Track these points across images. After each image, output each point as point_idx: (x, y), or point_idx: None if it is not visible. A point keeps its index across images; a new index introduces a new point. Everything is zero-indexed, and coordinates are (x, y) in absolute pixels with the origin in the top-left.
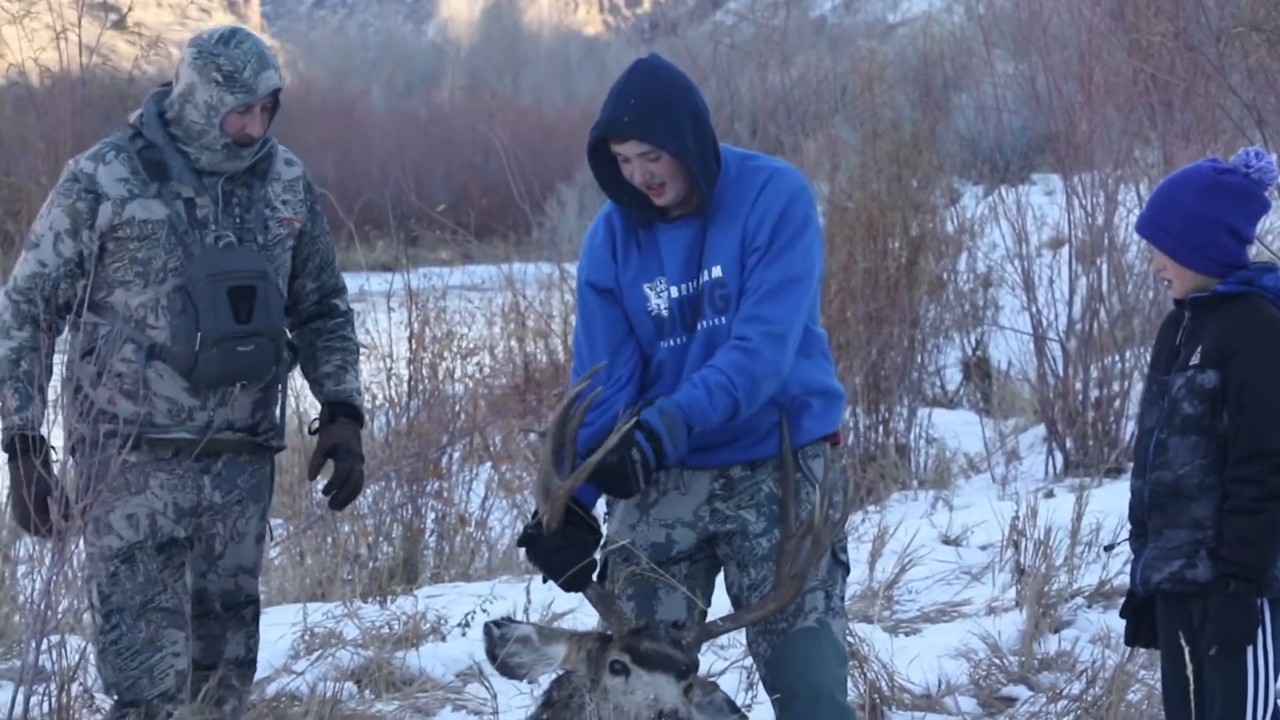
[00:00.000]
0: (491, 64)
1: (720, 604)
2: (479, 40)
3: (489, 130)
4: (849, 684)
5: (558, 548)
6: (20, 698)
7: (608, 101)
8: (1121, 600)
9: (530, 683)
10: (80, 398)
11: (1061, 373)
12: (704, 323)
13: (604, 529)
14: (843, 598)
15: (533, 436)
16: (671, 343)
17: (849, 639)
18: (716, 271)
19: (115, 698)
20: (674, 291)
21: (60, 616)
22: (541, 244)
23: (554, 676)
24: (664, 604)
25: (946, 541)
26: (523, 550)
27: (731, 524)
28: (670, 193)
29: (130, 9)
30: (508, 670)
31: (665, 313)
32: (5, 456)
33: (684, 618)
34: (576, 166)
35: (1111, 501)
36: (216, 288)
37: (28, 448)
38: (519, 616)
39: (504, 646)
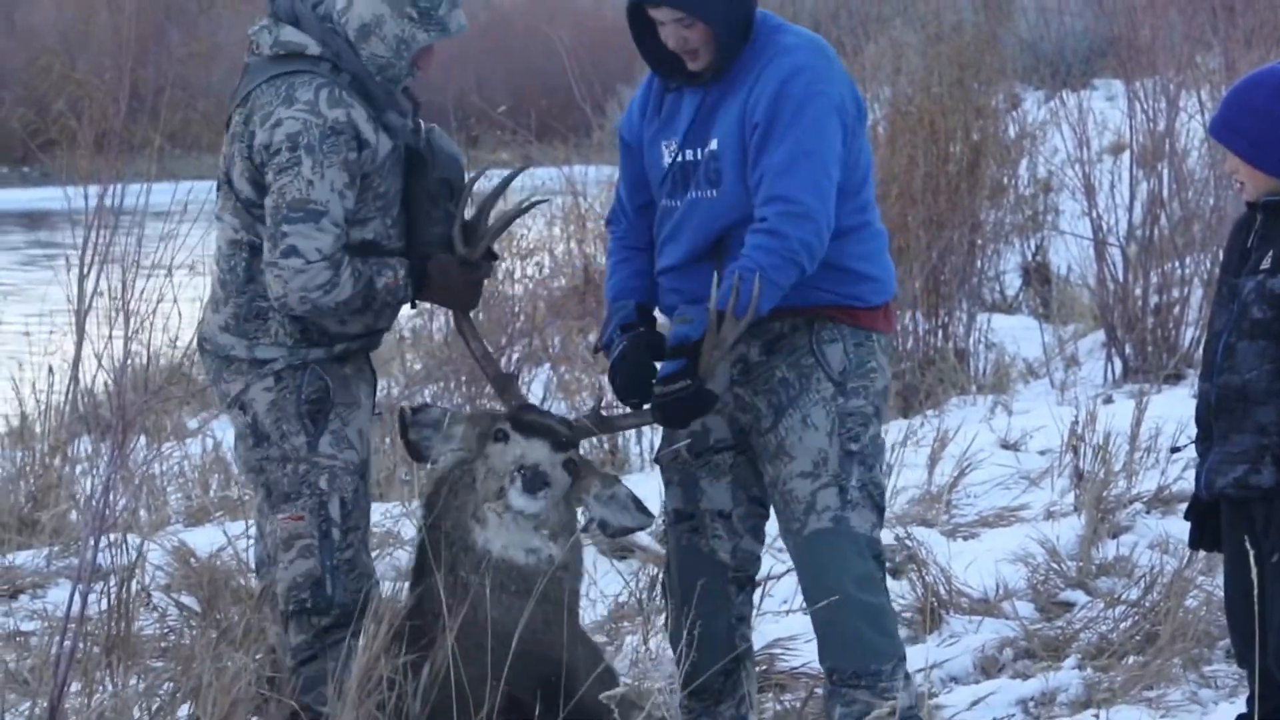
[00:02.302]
0: None
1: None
2: None
3: (549, 31)
4: (899, 586)
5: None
6: (78, 595)
7: None
8: (1181, 506)
9: (434, 464)
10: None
11: (1121, 278)
12: (694, 192)
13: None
14: (867, 487)
15: (591, 337)
16: (668, 203)
17: (906, 543)
18: (714, 144)
19: (333, 614)
20: (681, 155)
21: (118, 515)
22: (602, 146)
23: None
24: (707, 493)
25: (1005, 446)
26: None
27: (750, 413)
28: (704, 58)
29: None
30: (416, 452)
31: (670, 172)
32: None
33: (729, 507)
34: (637, 68)
35: (1170, 408)
36: (435, 193)
37: (426, 271)
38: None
39: (417, 431)
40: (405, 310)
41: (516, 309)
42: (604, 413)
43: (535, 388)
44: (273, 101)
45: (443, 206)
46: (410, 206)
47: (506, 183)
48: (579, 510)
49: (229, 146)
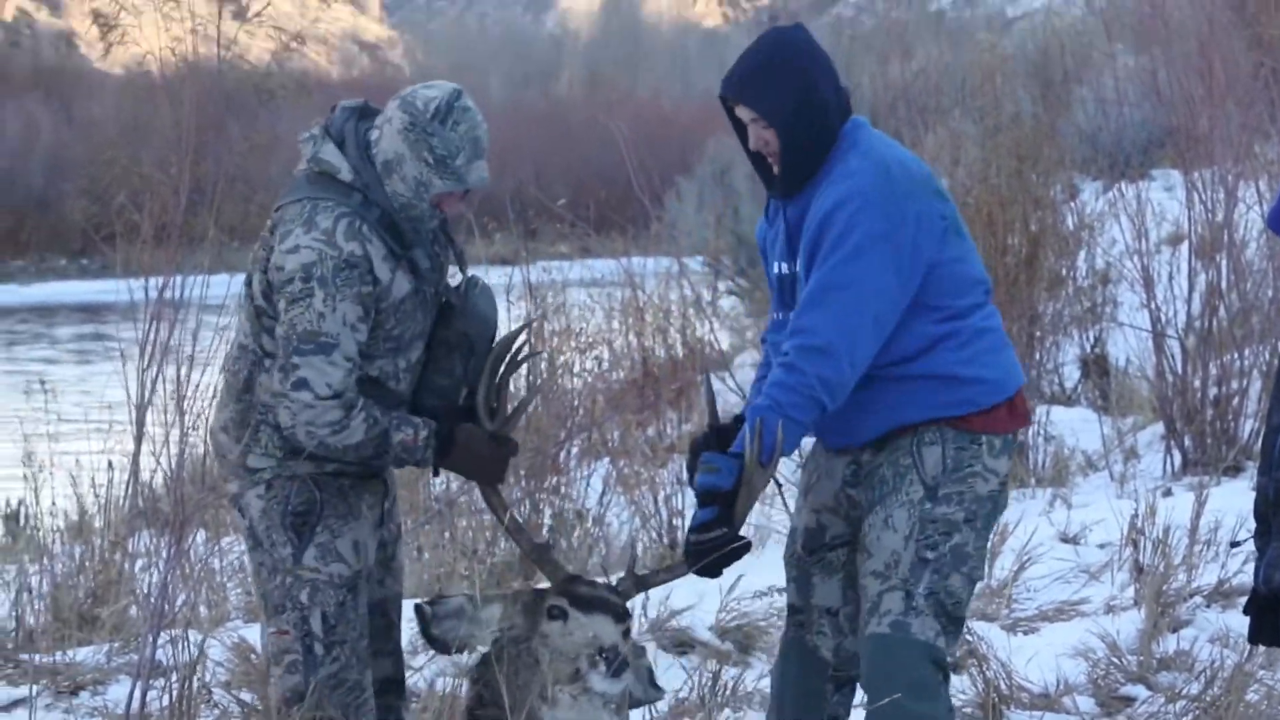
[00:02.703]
0: (610, 56)
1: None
2: (598, 32)
3: (608, 122)
4: (960, 681)
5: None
6: (138, 692)
7: (734, 63)
8: (1241, 600)
9: (470, 654)
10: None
11: (1180, 370)
12: (776, 314)
13: None
14: (937, 594)
15: (650, 431)
16: (777, 316)
17: (967, 637)
18: (799, 267)
19: None
20: (779, 268)
21: (178, 610)
22: (660, 238)
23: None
24: (818, 589)
25: (1065, 540)
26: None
27: (857, 511)
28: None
29: (261, 4)
30: (444, 647)
31: (777, 284)
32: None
33: (838, 605)
34: (695, 160)
35: (1230, 500)
36: (453, 345)
37: (453, 437)
38: (635, 612)
39: (439, 625)
40: None
41: (575, 403)
42: (639, 572)
43: (594, 482)
44: (294, 222)
45: (456, 361)
46: (426, 355)
47: (510, 342)
48: None
49: (256, 249)
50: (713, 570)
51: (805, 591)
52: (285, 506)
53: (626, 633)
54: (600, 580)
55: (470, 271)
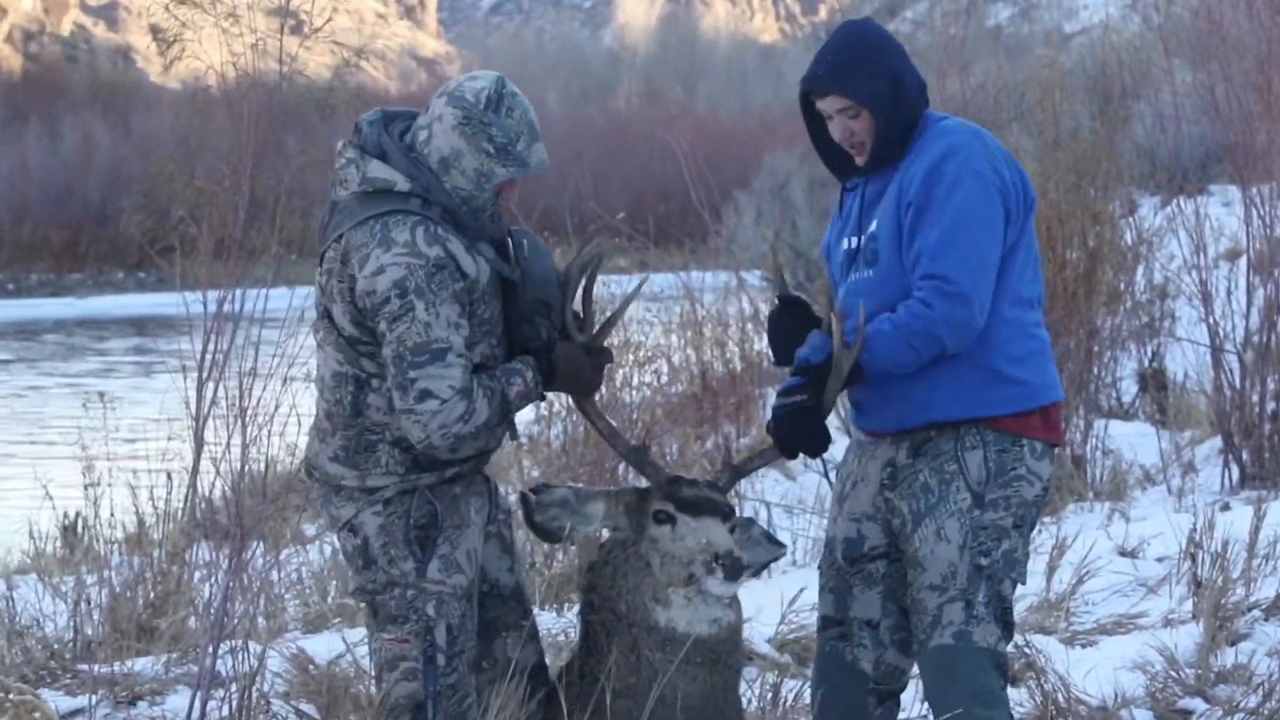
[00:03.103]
0: (668, 71)
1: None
2: (655, 47)
3: (667, 136)
4: (1018, 694)
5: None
6: (197, 702)
7: (812, 61)
8: None
9: (570, 543)
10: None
11: (1238, 384)
12: (855, 274)
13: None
14: (994, 602)
15: (709, 444)
16: (838, 287)
17: (1025, 650)
18: (873, 226)
19: None
20: (849, 244)
21: (237, 621)
22: (718, 252)
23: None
24: (858, 600)
25: (1123, 553)
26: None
27: (897, 518)
28: (869, 151)
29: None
30: (546, 533)
31: (844, 260)
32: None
33: (878, 617)
34: (753, 174)
35: None
36: (530, 315)
37: (554, 365)
38: None
39: (543, 512)
40: (526, 414)
41: (634, 416)
42: (734, 463)
43: None
44: (369, 244)
45: (539, 325)
46: (507, 331)
47: (583, 261)
48: None
49: (327, 281)
50: (792, 441)
51: (844, 603)
52: (407, 521)
53: (733, 529)
54: (698, 479)
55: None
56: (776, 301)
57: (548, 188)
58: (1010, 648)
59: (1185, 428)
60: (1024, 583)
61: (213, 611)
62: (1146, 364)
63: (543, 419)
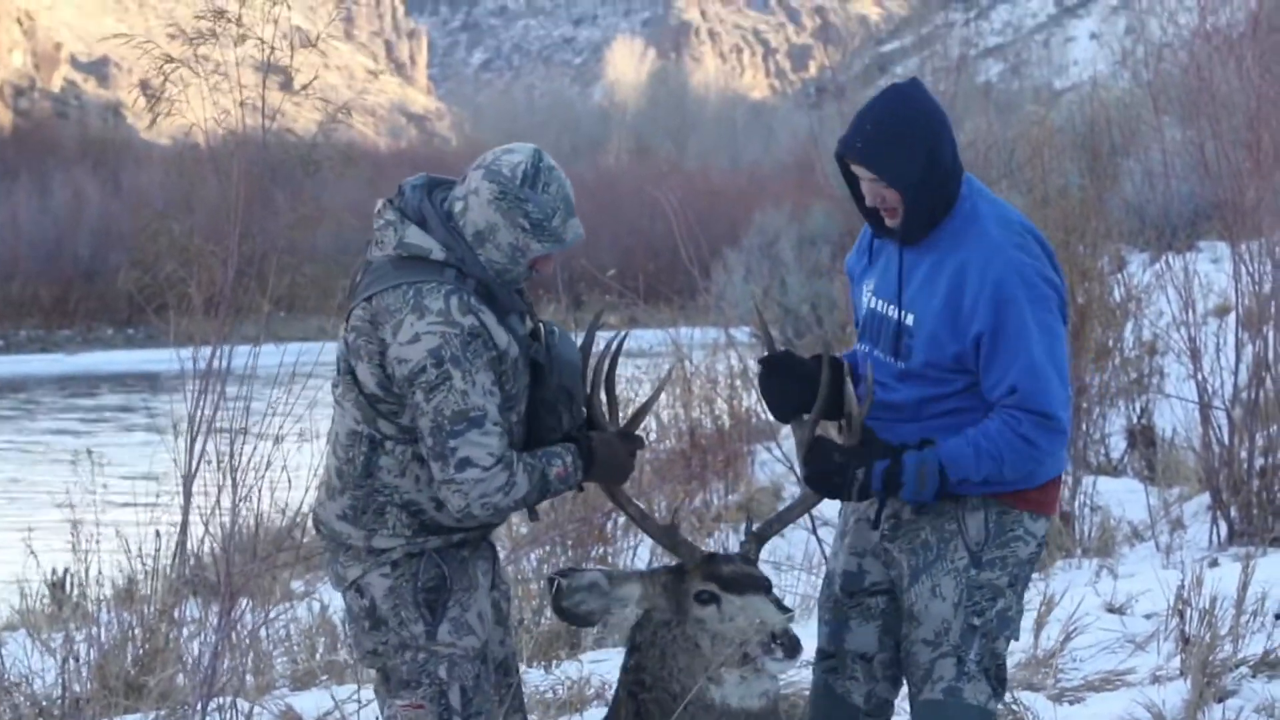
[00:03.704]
0: (658, 127)
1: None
2: (645, 104)
3: (657, 193)
4: None
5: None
6: None
7: (853, 120)
8: None
9: (603, 627)
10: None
11: (1227, 441)
12: (878, 353)
13: None
14: (985, 660)
15: (697, 501)
16: (860, 346)
17: (1013, 707)
18: (909, 319)
19: None
20: (876, 303)
21: (226, 678)
22: (707, 309)
23: (633, 623)
24: (854, 633)
25: (1111, 610)
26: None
27: (895, 570)
28: (900, 217)
29: (309, 77)
30: (575, 618)
31: (867, 317)
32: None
33: (873, 651)
34: (743, 231)
35: (1277, 571)
36: (554, 401)
37: (593, 451)
38: None
39: (570, 597)
40: None
41: None
42: (757, 530)
43: (642, 552)
44: (401, 310)
45: (561, 412)
46: (529, 414)
47: (616, 353)
48: None
49: (354, 340)
50: (818, 481)
51: (839, 636)
52: (415, 584)
53: (779, 604)
54: (731, 553)
55: (541, 318)
56: (759, 365)
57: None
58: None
59: (1174, 484)
60: (1017, 639)
61: (202, 669)
62: (1135, 420)
63: None
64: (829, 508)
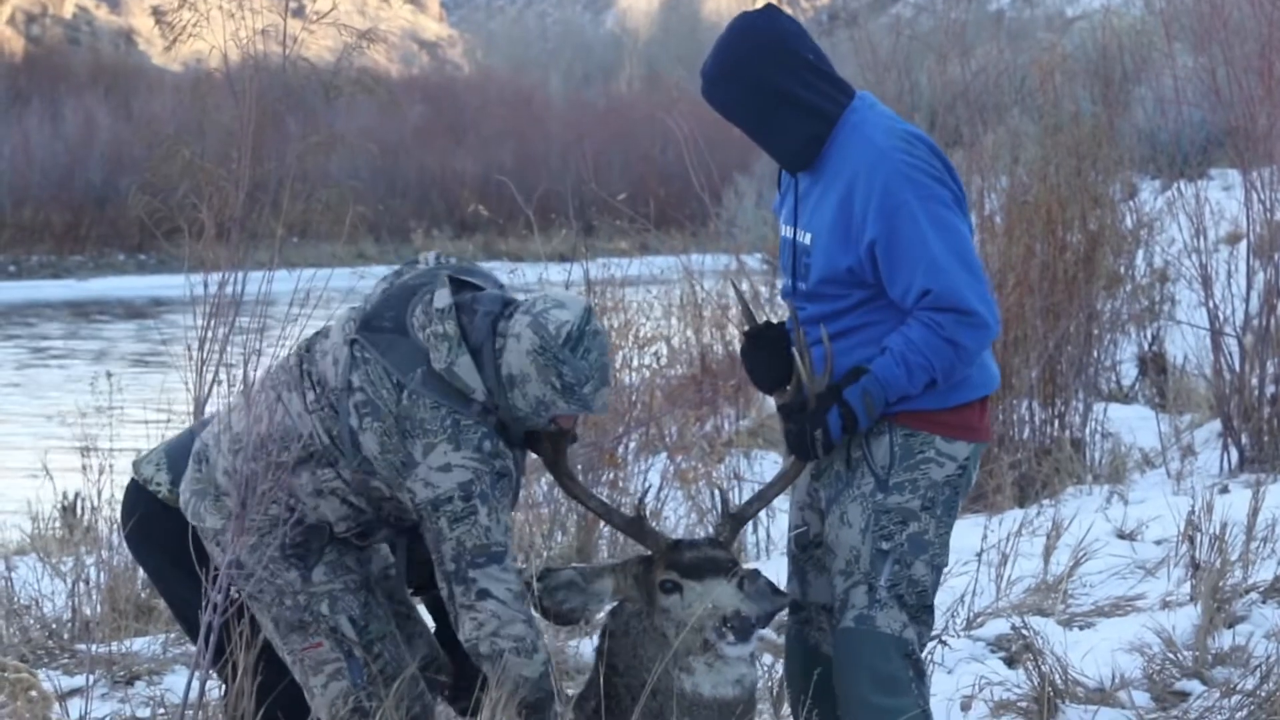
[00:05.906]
0: (670, 54)
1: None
2: (657, 30)
3: (668, 120)
4: (1015, 675)
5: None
6: (195, 682)
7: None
8: None
9: (586, 623)
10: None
11: (1238, 368)
12: (788, 280)
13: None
14: (898, 586)
15: (709, 426)
16: (785, 281)
17: (1023, 631)
18: (805, 238)
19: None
20: (784, 232)
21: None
22: (718, 235)
23: (608, 610)
24: (813, 586)
25: (1121, 536)
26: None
27: (821, 506)
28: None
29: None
30: (561, 618)
31: (784, 246)
32: None
33: (832, 601)
34: (753, 157)
35: None
36: None
37: None
38: None
39: (550, 596)
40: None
41: (634, 398)
42: (734, 512)
43: (653, 476)
44: (437, 435)
45: None
46: None
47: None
48: None
49: (364, 407)
50: (797, 446)
51: (804, 588)
52: (283, 544)
53: (741, 583)
54: (700, 537)
55: None
56: (742, 337)
57: (549, 171)
58: (1008, 629)
59: (1185, 411)
60: (945, 564)
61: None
62: (1146, 347)
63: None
64: None
